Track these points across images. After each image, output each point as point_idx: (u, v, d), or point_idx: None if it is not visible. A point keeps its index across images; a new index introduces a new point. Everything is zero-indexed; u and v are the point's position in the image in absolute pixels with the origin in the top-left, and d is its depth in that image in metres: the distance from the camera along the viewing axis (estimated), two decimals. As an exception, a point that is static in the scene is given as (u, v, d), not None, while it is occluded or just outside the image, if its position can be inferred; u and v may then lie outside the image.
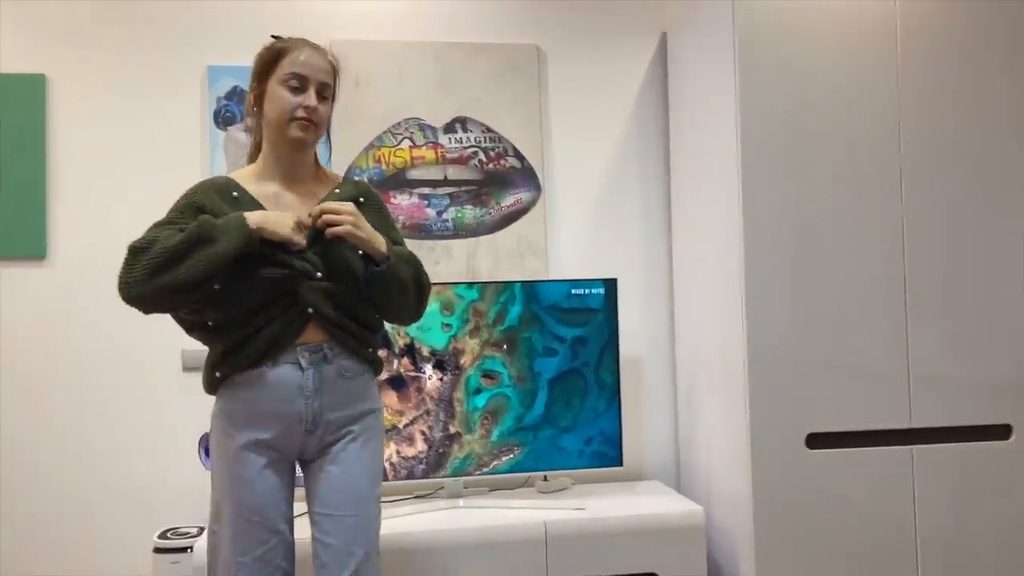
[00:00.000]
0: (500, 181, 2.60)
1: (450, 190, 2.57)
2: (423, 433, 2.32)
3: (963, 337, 2.15)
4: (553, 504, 2.27)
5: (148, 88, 2.47)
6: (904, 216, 2.14)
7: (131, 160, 2.45)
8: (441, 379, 2.34)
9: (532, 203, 2.61)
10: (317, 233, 1.57)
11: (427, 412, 2.33)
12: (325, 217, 1.54)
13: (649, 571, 2.16)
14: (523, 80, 2.62)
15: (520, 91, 2.61)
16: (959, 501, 2.13)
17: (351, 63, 2.50)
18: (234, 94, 2.48)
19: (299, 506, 1.68)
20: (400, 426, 2.31)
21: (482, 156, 2.59)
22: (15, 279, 2.38)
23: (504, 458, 2.36)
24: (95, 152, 2.44)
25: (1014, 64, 2.19)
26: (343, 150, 2.50)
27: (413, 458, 2.32)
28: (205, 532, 1.59)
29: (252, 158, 1.70)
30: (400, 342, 2.32)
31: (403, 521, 2.14)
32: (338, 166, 2.49)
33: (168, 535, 2.20)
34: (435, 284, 2.27)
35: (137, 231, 1.57)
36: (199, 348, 1.74)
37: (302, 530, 1.68)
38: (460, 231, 2.57)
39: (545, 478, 2.47)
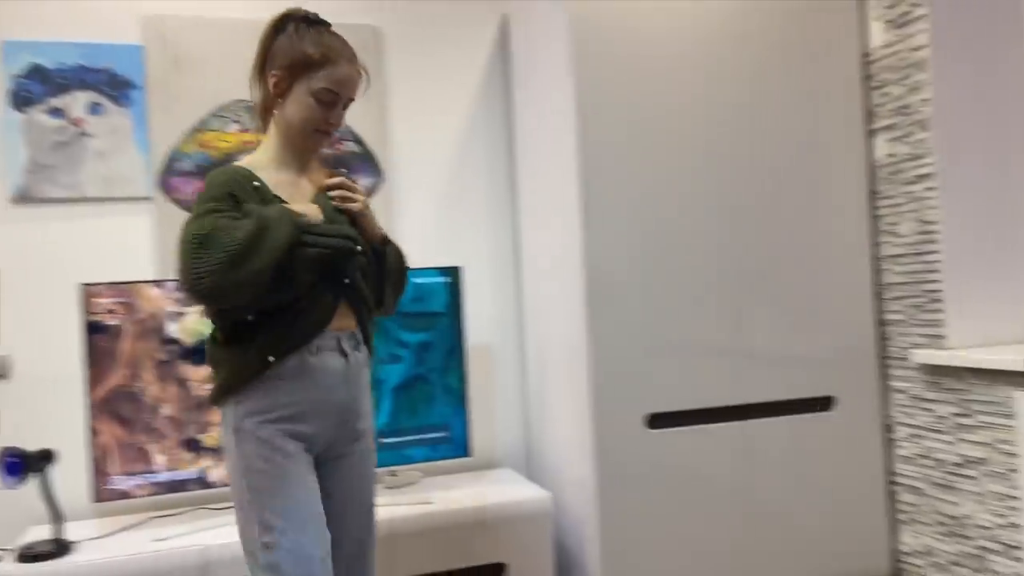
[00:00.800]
0: (338, 166, 2.48)
1: (285, 177, 2.43)
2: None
3: (789, 316, 2.25)
4: (400, 499, 2.21)
5: (-71, 64, 2.19)
6: (736, 204, 2.22)
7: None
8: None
9: (373, 189, 2.52)
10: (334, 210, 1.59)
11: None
12: (342, 192, 1.59)
13: (497, 561, 2.14)
14: (361, 61, 2.51)
15: (358, 73, 2.50)
16: (790, 470, 2.24)
17: (169, 40, 2.32)
18: (35, 72, 2.24)
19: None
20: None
21: (319, 141, 2.46)
22: None
23: (349, 455, 2.27)
24: None
25: (814, 64, 2.30)
26: (162, 134, 2.31)
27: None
28: (246, 558, 1.46)
29: (260, 131, 1.66)
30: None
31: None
32: (157, 151, 2.30)
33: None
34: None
35: None
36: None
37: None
38: (297, 220, 2.44)
39: (394, 473, 2.40)
